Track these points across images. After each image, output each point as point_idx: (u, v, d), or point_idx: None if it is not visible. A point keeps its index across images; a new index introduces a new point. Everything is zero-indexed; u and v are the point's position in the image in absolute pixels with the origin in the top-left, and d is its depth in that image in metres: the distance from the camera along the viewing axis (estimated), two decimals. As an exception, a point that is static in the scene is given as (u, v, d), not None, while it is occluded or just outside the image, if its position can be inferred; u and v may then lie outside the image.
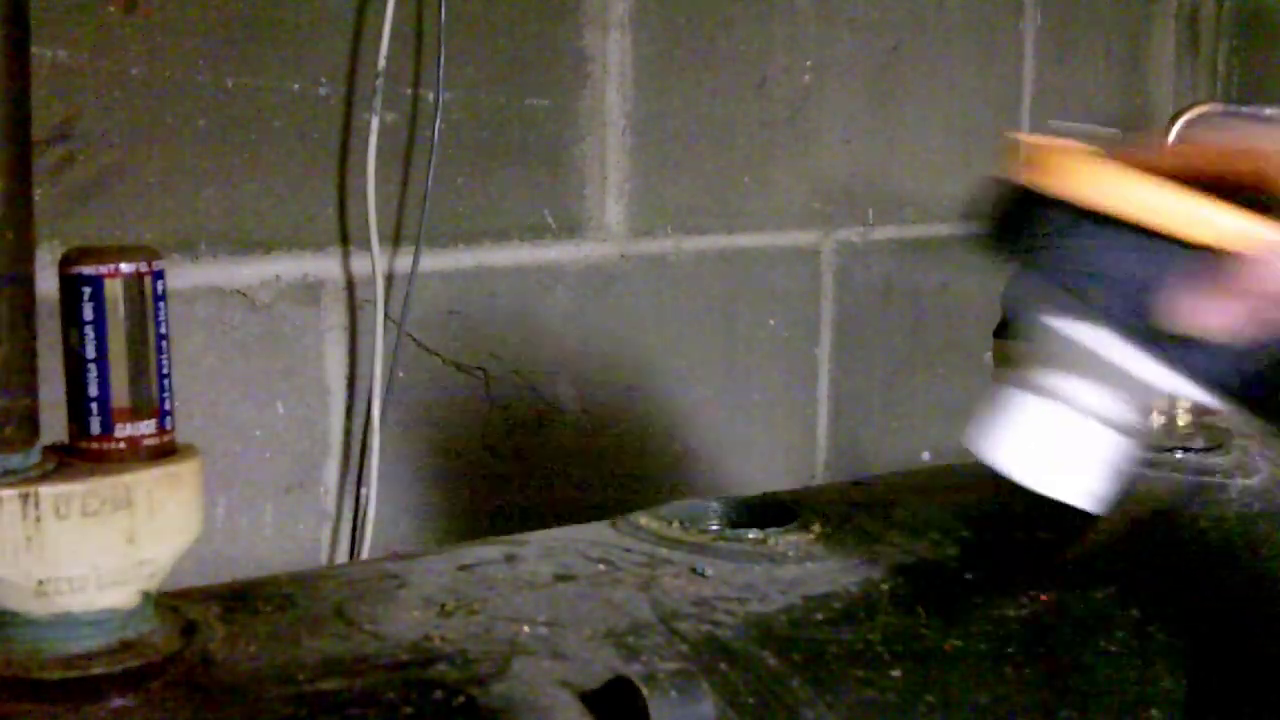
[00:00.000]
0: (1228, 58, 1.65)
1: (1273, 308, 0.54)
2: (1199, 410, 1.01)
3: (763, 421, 1.31)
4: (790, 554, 0.71)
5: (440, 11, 1.00)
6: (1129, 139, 0.61)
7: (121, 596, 0.55)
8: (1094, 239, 0.56)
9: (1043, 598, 0.71)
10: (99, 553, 0.53)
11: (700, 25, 1.19)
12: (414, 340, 1.06)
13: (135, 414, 0.55)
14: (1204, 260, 0.55)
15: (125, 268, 0.55)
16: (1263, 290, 0.53)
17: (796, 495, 0.76)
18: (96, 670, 0.53)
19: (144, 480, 0.54)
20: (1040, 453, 0.62)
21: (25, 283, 0.53)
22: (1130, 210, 0.56)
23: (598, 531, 0.75)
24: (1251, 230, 0.55)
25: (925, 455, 1.43)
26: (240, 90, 0.95)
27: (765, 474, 1.29)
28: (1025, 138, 0.61)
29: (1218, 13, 1.64)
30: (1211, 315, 0.54)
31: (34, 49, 0.54)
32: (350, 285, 1.02)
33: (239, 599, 0.66)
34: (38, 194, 0.58)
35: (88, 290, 0.54)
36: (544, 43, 1.10)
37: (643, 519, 0.75)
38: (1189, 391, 0.57)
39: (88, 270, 0.54)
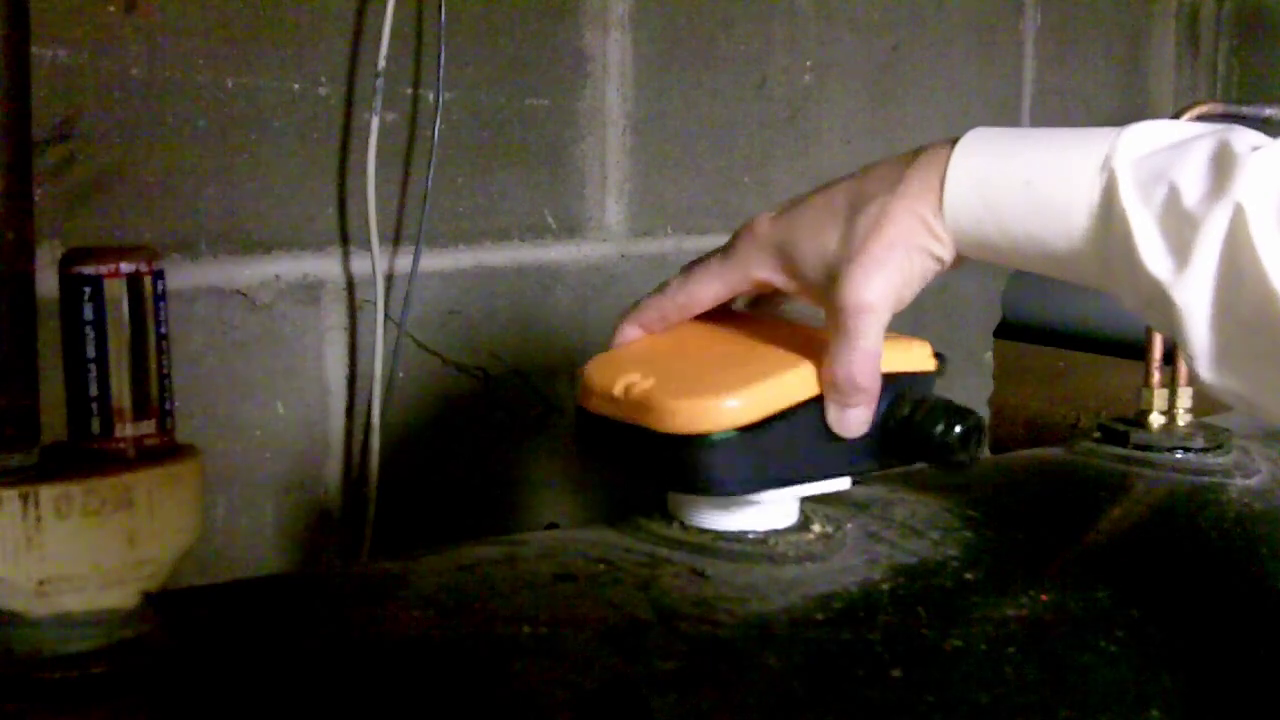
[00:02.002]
0: (1228, 58, 1.65)
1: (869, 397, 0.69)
2: (1198, 411, 1.01)
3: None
4: (790, 554, 0.71)
5: (440, 11, 1.00)
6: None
7: (121, 596, 0.55)
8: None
9: (1043, 598, 0.71)
10: (99, 553, 0.53)
11: (700, 25, 1.19)
12: (414, 340, 1.06)
13: (135, 414, 0.55)
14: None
15: (125, 268, 0.55)
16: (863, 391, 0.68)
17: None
18: (96, 670, 0.53)
19: (144, 480, 0.54)
20: None
21: (25, 283, 0.53)
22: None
23: (598, 531, 0.75)
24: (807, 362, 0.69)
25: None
26: (240, 90, 0.95)
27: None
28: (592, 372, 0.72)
29: (1218, 13, 1.64)
30: (853, 425, 0.69)
31: (34, 49, 0.54)
32: (350, 285, 1.02)
33: (239, 599, 0.66)
34: (38, 194, 0.59)
35: (88, 290, 0.54)
36: (544, 43, 1.10)
37: (642, 519, 0.75)
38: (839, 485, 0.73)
39: (88, 270, 0.54)
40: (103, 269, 0.54)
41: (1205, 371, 0.60)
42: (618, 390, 0.70)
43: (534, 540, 0.75)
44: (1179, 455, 0.95)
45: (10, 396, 0.53)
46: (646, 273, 1.17)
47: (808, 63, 1.27)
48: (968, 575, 0.72)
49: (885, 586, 0.70)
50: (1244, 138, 0.61)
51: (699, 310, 0.75)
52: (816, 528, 0.75)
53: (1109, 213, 0.62)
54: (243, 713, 0.54)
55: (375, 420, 1.03)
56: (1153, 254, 0.60)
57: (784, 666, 0.62)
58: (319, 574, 0.89)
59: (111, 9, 0.89)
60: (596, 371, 0.72)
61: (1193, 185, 0.60)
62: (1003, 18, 1.45)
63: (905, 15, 1.34)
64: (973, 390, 1.49)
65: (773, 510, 0.73)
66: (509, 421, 1.12)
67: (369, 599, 0.64)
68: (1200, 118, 1.06)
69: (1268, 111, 1.16)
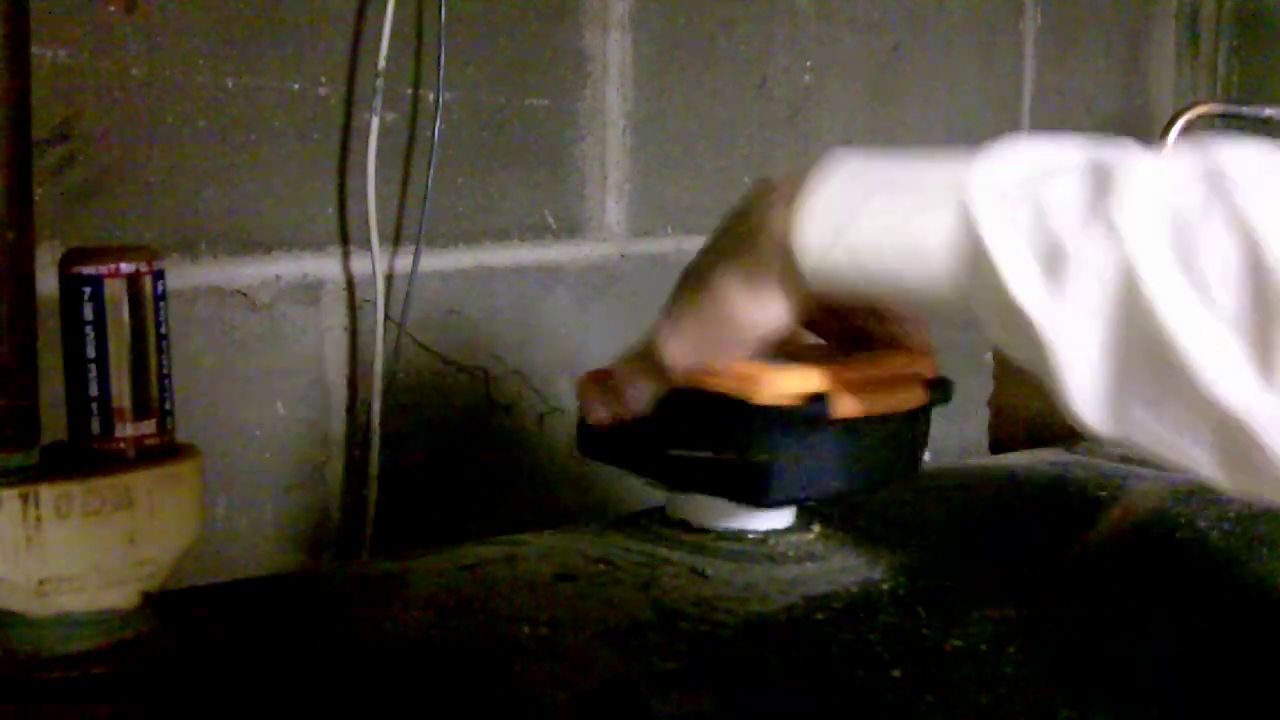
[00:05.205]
0: (1228, 58, 1.65)
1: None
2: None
3: (763, 421, 1.30)
4: (790, 554, 0.71)
5: (440, 11, 1.00)
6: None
7: (121, 596, 0.55)
8: None
9: (1044, 597, 0.71)
10: (99, 553, 0.53)
11: (700, 25, 1.19)
12: (414, 340, 1.06)
13: (135, 414, 0.55)
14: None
15: (125, 268, 0.55)
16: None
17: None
18: (96, 670, 0.53)
19: (144, 480, 0.54)
20: None
21: (25, 283, 0.53)
22: None
23: (598, 532, 0.75)
24: None
25: (925, 455, 1.43)
26: (240, 90, 0.95)
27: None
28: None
29: (1218, 13, 1.64)
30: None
31: (34, 49, 0.54)
32: (350, 285, 1.02)
33: (239, 599, 0.66)
34: (38, 194, 0.58)
35: (88, 290, 0.54)
36: (544, 43, 1.10)
37: (643, 519, 0.75)
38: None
39: (88, 270, 0.54)
40: (103, 269, 0.54)
41: (1089, 417, 0.53)
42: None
43: (534, 540, 0.75)
44: (1179, 455, 0.95)
45: (10, 396, 0.53)
46: (646, 273, 1.17)
47: (808, 63, 1.27)
48: (968, 575, 0.72)
49: (885, 586, 0.70)
50: (1119, 151, 0.53)
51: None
52: (816, 528, 0.75)
53: (968, 242, 0.55)
54: (243, 713, 0.54)
55: (375, 420, 1.03)
56: (1024, 285, 0.52)
57: (784, 666, 0.62)
58: (319, 574, 0.89)
59: (111, 9, 0.89)
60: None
61: (1065, 206, 0.52)
62: (1003, 18, 1.45)
63: (905, 15, 1.34)
64: (973, 390, 1.49)
65: (773, 510, 0.73)
66: (509, 421, 1.12)
67: (369, 599, 0.64)
68: (1200, 118, 1.06)
69: (1268, 111, 1.16)
